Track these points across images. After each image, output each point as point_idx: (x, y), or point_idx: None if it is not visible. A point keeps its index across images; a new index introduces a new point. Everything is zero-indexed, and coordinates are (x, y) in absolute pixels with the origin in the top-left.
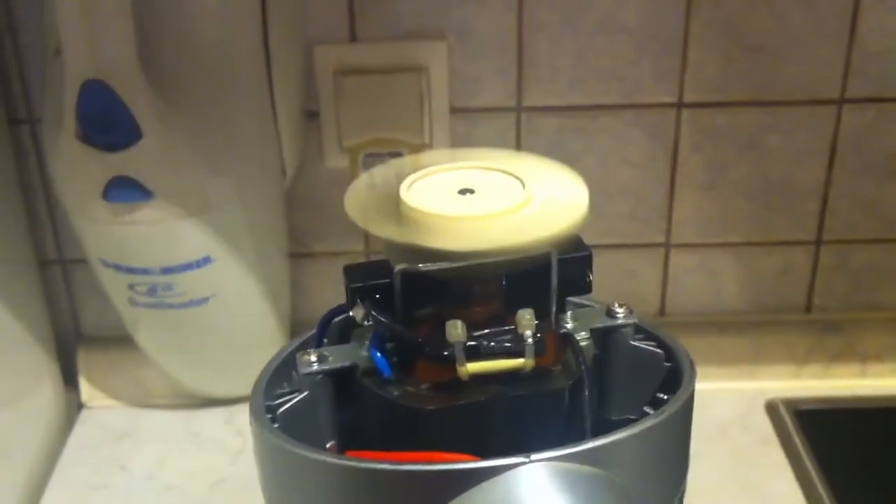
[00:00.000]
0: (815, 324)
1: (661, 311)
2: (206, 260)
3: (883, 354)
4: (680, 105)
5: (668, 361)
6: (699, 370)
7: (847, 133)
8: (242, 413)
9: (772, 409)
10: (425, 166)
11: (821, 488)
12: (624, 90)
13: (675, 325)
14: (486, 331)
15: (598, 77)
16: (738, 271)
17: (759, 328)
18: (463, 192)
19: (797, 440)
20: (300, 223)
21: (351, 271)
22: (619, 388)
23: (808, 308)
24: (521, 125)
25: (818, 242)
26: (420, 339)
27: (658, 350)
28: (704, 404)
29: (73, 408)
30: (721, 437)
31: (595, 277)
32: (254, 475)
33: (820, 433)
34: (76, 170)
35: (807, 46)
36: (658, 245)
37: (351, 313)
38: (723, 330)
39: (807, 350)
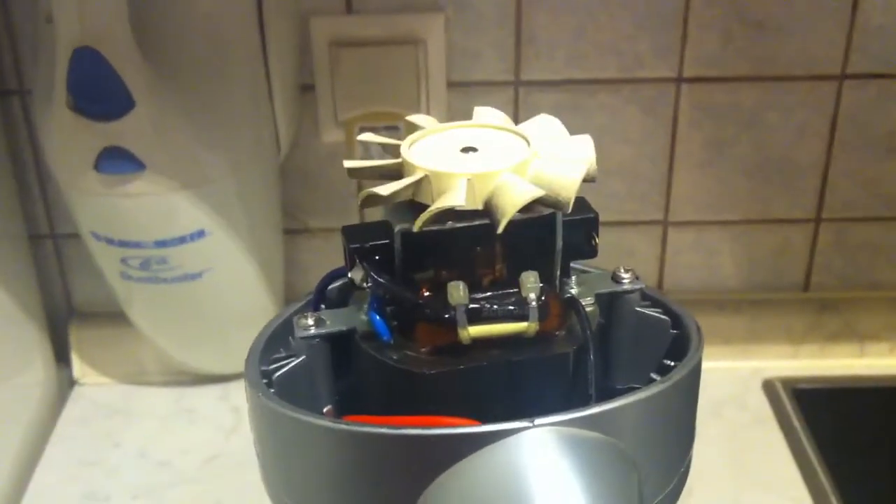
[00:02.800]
0: (813, 302)
1: (659, 289)
2: (200, 233)
3: (881, 334)
4: (679, 81)
5: (674, 328)
6: None
7: (847, 110)
8: (236, 390)
9: (769, 387)
10: (422, 127)
11: (818, 467)
12: (623, 65)
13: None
14: (488, 293)
15: (597, 52)
16: (737, 249)
17: (757, 307)
18: (466, 150)
19: (794, 419)
20: (295, 198)
21: (350, 232)
22: (624, 356)
23: (807, 287)
24: (518, 100)
25: (817, 220)
26: (420, 302)
27: (664, 317)
28: (701, 383)
29: (66, 384)
30: (718, 415)
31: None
32: (248, 452)
33: (817, 412)
34: (68, 140)
35: (808, 22)
36: (656, 223)
37: (350, 275)
38: (720, 308)
39: (804, 329)
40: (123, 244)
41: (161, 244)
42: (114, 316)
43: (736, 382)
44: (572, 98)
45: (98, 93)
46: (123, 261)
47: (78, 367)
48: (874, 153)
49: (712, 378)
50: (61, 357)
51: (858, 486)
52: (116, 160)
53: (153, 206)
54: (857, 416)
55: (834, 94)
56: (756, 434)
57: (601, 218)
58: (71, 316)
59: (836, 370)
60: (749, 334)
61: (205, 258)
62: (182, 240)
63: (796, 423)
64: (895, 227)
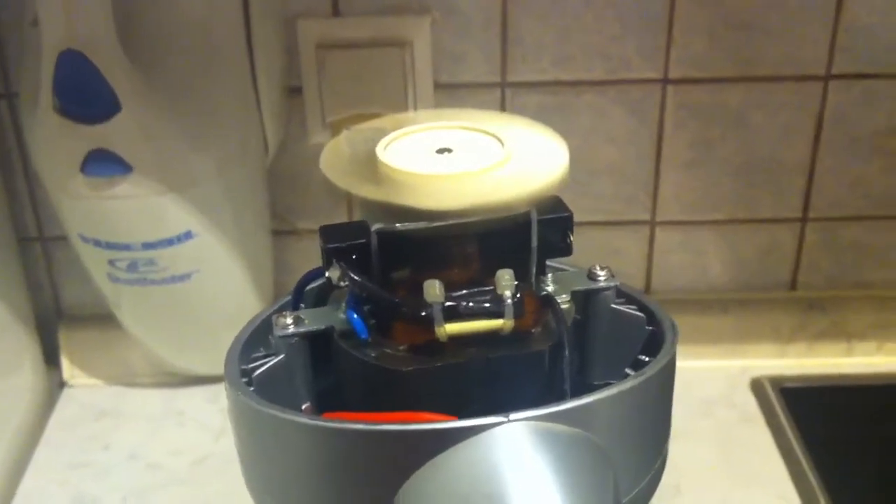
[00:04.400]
0: (801, 302)
1: (647, 290)
2: (188, 235)
3: (868, 332)
4: (665, 81)
5: (649, 325)
6: (684, 348)
7: (833, 110)
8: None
9: (757, 387)
10: (404, 126)
11: (805, 466)
12: (609, 66)
13: (659, 303)
14: (464, 291)
15: (583, 53)
16: (724, 249)
17: (745, 306)
18: (441, 151)
19: (782, 418)
20: (283, 200)
21: (327, 232)
22: (599, 353)
23: (794, 286)
24: (505, 101)
25: (804, 220)
26: (397, 300)
27: (639, 314)
28: (689, 382)
29: (55, 387)
30: (706, 415)
31: (579, 256)
32: (236, 454)
33: (805, 411)
34: (54, 143)
35: (793, 22)
36: (643, 223)
37: (327, 274)
38: (708, 308)
39: (792, 328)
40: (111, 246)
41: (149, 246)
42: (103, 318)
43: (723, 381)
44: (558, 99)
45: (84, 96)
46: (111, 263)
47: (67, 369)
48: (860, 153)
49: (700, 377)
50: (50, 359)
51: (846, 483)
52: (103, 163)
53: (140, 208)
54: (844, 415)
55: (819, 94)
56: (744, 433)
57: (588, 218)
58: (60, 318)
59: (824, 369)
60: (736, 333)
61: (193, 260)
62: (170, 242)
63: (784, 422)
64: (881, 227)
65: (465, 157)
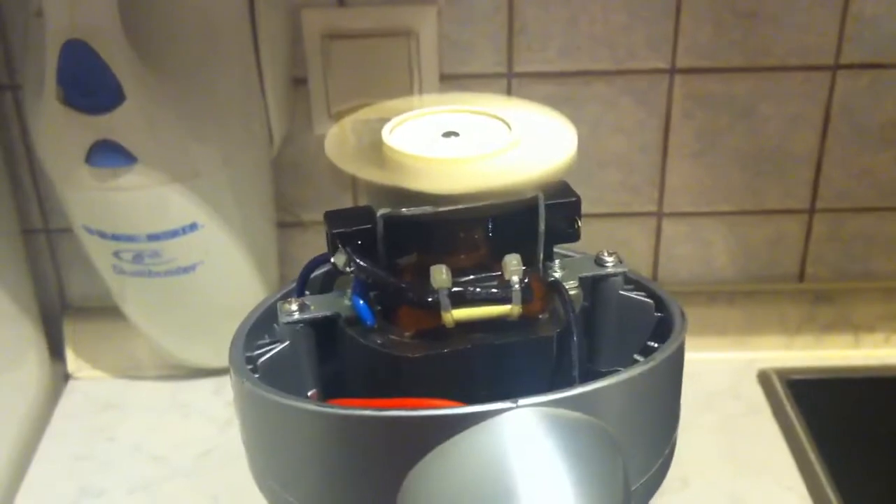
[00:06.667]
0: (808, 293)
1: (653, 280)
2: (193, 227)
3: (876, 324)
4: (672, 71)
5: (658, 311)
6: (690, 340)
7: (841, 100)
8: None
9: (764, 379)
10: (409, 110)
11: (813, 458)
12: (616, 56)
13: None
14: (471, 277)
15: (590, 43)
16: (731, 240)
17: (752, 298)
18: (447, 134)
19: (789, 410)
20: (288, 191)
21: (332, 217)
22: (607, 340)
23: (801, 277)
24: (511, 92)
25: (811, 211)
26: (403, 286)
27: (648, 300)
28: (696, 374)
29: (60, 379)
30: (712, 407)
31: (585, 247)
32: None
33: (812, 403)
34: (59, 134)
35: (801, 12)
36: (650, 214)
37: (332, 260)
38: (715, 299)
39: (799, 320)
40: (116, 238)
41: (154, 237)
42: (108, 310)
43: (731, 373)
44: (565, 89)
45: (88, 86)
46: (116, 254)
47: (72, 361)
48: (868, 143)
49: (707, 369)
50: (55, 352)
51: (854, 475)
52: (108, 153)
53: (145, 199)
54: (851, 407)
55: (827, 84)
56: (751, 425)
57: (594, 209)
58: (65, 310)
59: (831, 361)
60: (744, 325)
61: (198, 251)
62: (175, 233)
63: (791, 414)
64: (889, 218)
65: (472, 141)
